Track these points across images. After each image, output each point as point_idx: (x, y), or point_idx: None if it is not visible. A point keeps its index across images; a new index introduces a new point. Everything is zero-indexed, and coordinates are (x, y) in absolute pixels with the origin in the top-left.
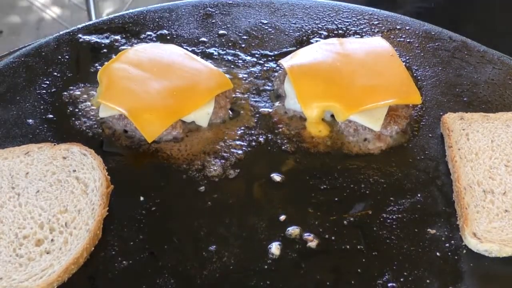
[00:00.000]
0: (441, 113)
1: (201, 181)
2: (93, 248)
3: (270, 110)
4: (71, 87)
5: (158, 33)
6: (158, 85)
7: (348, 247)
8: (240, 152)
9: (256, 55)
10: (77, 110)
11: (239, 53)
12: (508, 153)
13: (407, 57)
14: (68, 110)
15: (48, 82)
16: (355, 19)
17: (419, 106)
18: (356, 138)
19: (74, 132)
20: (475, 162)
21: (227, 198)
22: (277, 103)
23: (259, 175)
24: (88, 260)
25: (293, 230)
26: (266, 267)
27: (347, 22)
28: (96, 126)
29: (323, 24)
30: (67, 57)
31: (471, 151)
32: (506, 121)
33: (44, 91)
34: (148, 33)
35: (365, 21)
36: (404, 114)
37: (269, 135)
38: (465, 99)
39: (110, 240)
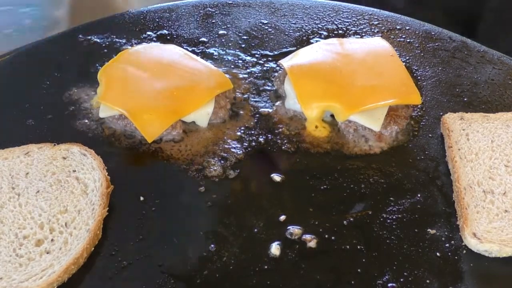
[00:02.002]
0: (441, 113)
1: (201, 181)
2: (93, 248)
3: (270, 110)
4: (71, 87)
5: (158, 33)
6: (158, 85)
7: (348, 247)
8: (240, 152)
9: (256, 55)
10: (77, 110)
11: (239, 53)
12: (508, 153)
13: (407, 57)
14: (68, 110)
15: (48, 82)
16: (355, 19)
17: (419, 106)
18: (356, 138)
19: (74, 132)
20: (475, 162)
21: (227, 198)
22: (277, 103)
23: (259, 175)
24: (88, 260)
25: (293, 230)
26: (266, 267)
27: (347, 22)
28: (96, 126)
29: (323, 24)
30: (67, 57)
31: (471, 151)
32: (506, 121)
33: (44, 91)
34: (148, 33)
35: (365, 21)
36: (404, 114)
37: (269, 135)
38: (465, 99)
39: (110, 240)
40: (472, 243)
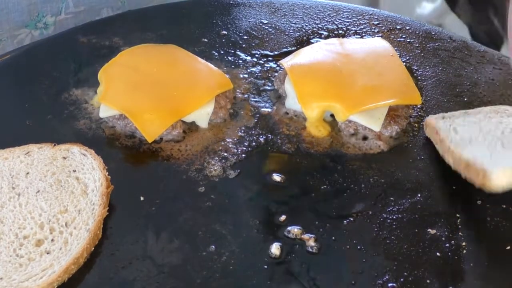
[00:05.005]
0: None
1: (201, 181)
2: (93, 248)
3: (270, 110)
4: (71, 87)
5: (158, 33)
6: (158, 85)
7: (348, 247)
8: (240, 152)
9: (256, 55)
10: (77, 110)
11: (239, 53)
12: (498, 135)
13: (407, 57)
14: (68, 110)
15: (48, 82)
16: (355, 19)
17: (419, 106)
18: (356, 138)
19: (74, 132)
20: (470, 144)
21: (227, 198)
22: (277, 103)
23: (259, 175)
24: (88, 260)
25: (293, 230)
26: (266, 267)
27: (347, 22)
28: (96, 126)
29: (323, 24)
30: (67, 57)
31: (463, 139)
32: (486, 114)
33: (44, 91)
34: (148, 33)
35: (365, 21)
36: (404, 114)
37: (269, 135)
38: (465, 99)
39: (110, 240)
40: (500, 178)
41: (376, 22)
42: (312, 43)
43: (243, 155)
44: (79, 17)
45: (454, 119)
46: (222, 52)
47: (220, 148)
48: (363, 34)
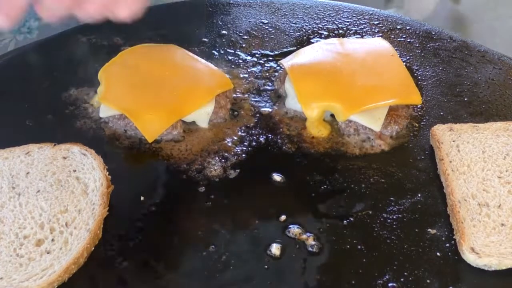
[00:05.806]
0: (442, 113)
1: (201, 181)
2: (93, 248)
3: (270, 110)
4: (71, 87)
5: (158, 33)
6: (158, 85)
7: (348, 247)
8: (240, 152)
9: (257, 55)
10: (77, 110)
11: (239, 53)
12: (500, 164)
13: (408, 57)
14: (68, 110)
15: (48, 82)
16: (356, 19)
17: (419, 106)
18: (357, 138)
19: (74, 132)
20: (467, 174)
21: (227, 198)
22: (277, 103)
23: (259, 175)
24: (88, 260)
25: (293, 230)
26: (266, 267)
27: (348, 22)
28: (96, 126)
29: (323, 24)
30: (67, 57)
31: (462, 163)
32: (495, 131)
33: (44, 91)
34: (148, 33)
35: (365, 21)
36: (405, 114)
37: (269, 135)
38: (465, 99)
39: (110, 240)
40: (471, 258)
41: (376, 22)
42: (312, 43)
43: (243, 155)
44: (64, 21)
45: (460, 133)
46: (222, 52)
47: (220, 148)
48: (363, 34)
